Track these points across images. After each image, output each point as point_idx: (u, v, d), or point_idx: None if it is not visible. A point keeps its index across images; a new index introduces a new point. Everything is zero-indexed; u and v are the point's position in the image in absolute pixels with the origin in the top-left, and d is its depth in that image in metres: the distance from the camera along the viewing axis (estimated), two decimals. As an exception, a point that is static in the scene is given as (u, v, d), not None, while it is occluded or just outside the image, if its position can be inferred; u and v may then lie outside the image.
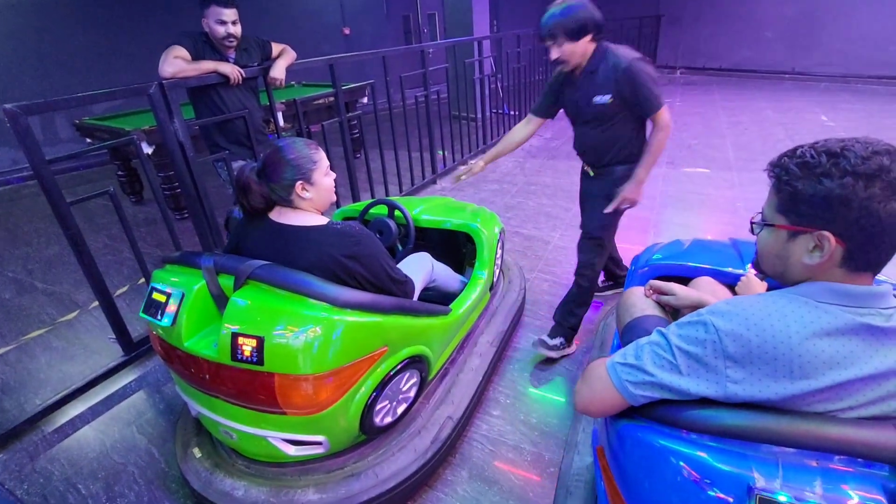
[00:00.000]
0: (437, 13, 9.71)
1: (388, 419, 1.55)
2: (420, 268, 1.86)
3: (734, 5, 9.40)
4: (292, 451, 1.42)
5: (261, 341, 1.22)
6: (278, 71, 2.68)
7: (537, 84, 6.99)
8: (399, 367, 1.47)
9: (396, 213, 2.04)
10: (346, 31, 8.18)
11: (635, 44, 10.24)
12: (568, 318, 2.17)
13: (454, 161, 5.00)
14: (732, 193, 4.03)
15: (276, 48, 2.79)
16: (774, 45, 9.19)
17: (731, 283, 1.59)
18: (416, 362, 1.56)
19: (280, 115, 3.43)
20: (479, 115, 5.91)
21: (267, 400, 1.30)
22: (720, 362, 0.82)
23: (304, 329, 1.24)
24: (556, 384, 2.09)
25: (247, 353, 1.24)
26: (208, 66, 2.39)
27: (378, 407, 1.46)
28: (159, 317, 1.35)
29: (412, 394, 1.62)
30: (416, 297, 1.66)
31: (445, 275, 2.02)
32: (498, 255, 2.27)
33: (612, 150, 1.93)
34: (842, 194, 0.75)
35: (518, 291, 2.44)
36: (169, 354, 1.42)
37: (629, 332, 1.37)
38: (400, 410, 1.59)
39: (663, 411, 0.86)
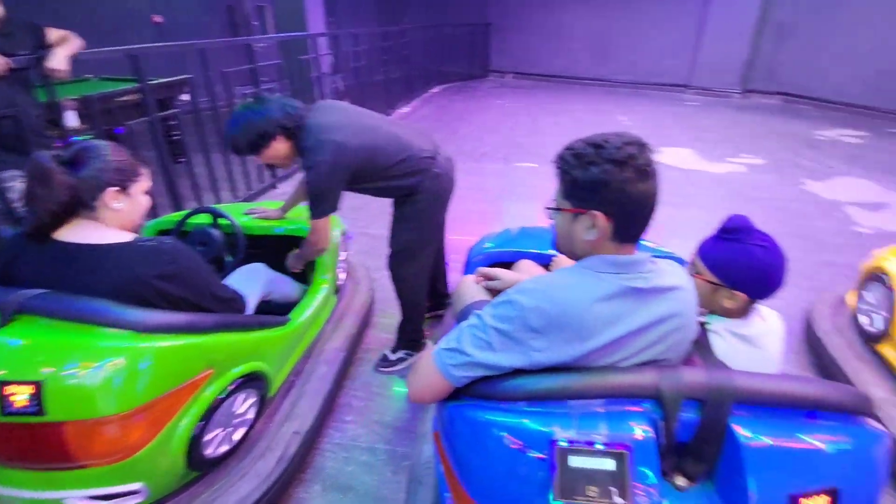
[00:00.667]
0: (267, 6, 9.14)
1: (224, 448, 1.41)
2: (253, 280, 1.73)
3: (547, 19, 10.60)
4: (101, 508, 1.20)
5: (38, 386, 1.01)
6: (58, 61, 2.24)
7: (378, 85, 7.04)
8: (230, 388, 1.35)
9: (221, 221, 1.85)
10: (158, 20, 7.21)
11: (469, 49, 10.97)
12: (405, 332, 2.17)
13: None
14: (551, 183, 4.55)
15: (52, 34, 2.33)
16: (581, 55, 10.61)
17: (549, 263, 1.80)
18: (252, 381, 1.44)
19: (72, 115, 2.88)
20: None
21: (57, 455, 1.08)
22: (526, 335, 0.90)
23: (101, 364, 1.05)
24: (408, 379, 2.13)
25: (20, 404, 1.01)
26: (-46, 52, 1.90)
27: (208, 437, 1.32)
28: None
29: (251, 415, 1.50)
30: (251, 311, 1.54)
31: (283, 284, 1.91)
32: (341, 257, 2.22)
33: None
34: (603, 178, 0.89)
35: (366, 292, 2.42)
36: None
37: (462, 318, 1.45)
38: (237, 436, 1.46)
39: (482, 387, 0.93)
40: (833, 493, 0.79)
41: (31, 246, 1.18)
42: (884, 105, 7.40)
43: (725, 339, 1.12)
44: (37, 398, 1.01)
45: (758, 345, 1.12)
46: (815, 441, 0.81)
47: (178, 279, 1.21)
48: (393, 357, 2.15)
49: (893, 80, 7.28)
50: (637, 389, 0.86)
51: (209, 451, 1.34)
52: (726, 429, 0.83)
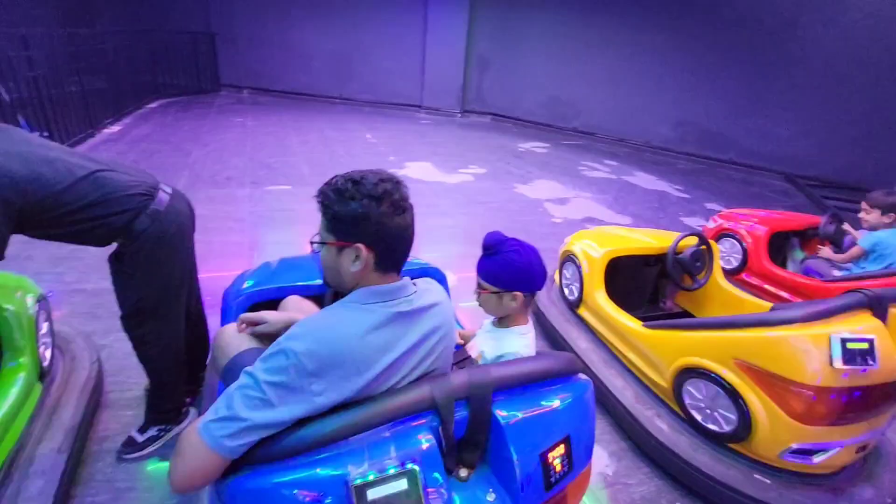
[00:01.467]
0: None
1: None
2: None
3: (285, 34, 10.35)
4: None
5: None
6: None
7: (73, 97, 5.68)
8: None
9: None
10: None
11: (194, 60, 9.86)
12: (156, 404, 1.79)
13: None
14: (313, 206, 4.43)
15: None
16: (323, 73, 10.74)
17: (318, 294, 1.75)
18: None
19: None
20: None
21: None
22: (304, 381, 0.85)
23: None
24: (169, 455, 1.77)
25: None
26: None
27: None
28: None
29: None
30: None
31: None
32: (42, 330, 1.69)
33: None
34: (363, 212, 0.93)
35: (89, 366, 1.91)
36: None
37: (228, 375, 1.28)
38: None
39: (262, 451, 0.83)
40: (566, 440, 1.00)
41: None
42: (557, 123, 9.77)
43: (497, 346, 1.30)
44: None
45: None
46: (552, 403, 1.00)
47: None
48: (142, 438, 1.75)
49: (561, 104, 9.69)
50: (416, 405, 0.91)
51: None
52: (490, 415, 0.95)
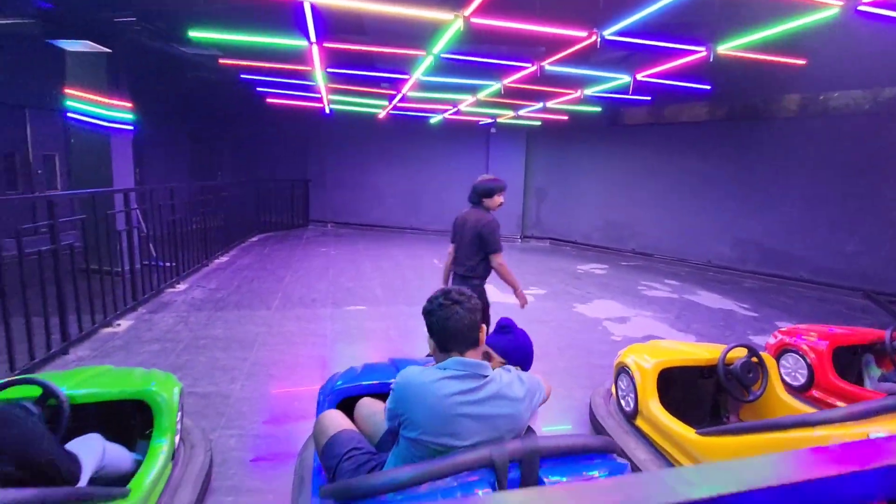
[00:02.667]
0: (58, 155, 8.46)
1: None
2: (89, 452, 1.57)
3: (363, 178, 12.07)
4: None
5: None
6: None
7: (193, 234, 6.86)
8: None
9: (33, 389, 1.67)
10: None
11: (290, 201, 11.60)
12: None
13: (93, 323, 4.24)
14: (385, 324, 4.94)
15: None
16: (395, 207, 12.14)
17: (387, 392, 2.08)
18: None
19: None
20: (127, 268, 5.28)
21: None
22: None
23: None
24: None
25: None
26: None
27: None
28: None
29: None
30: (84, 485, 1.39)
31: (117, 455, 1.75)
32: (178, 419, 2.11)
33: None
34: (428, 312, 1.39)
35: (203, 455, 2.27)
36: None
37: (327, 450, 1.59)
38: None
39: (366, 485, 1.13)
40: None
41: None
42: (614, 245, 10.13)
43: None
44: None
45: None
46: (591, 473, 1.21)
47: (5, 454, 1.15)
48: None
49: (616, 227, 10.14)
50: (477, 462, 1.17)
51: None
52: (538, 478, 1.17)
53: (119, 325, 4.55)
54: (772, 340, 3.49)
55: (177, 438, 2.13)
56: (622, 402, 2.77)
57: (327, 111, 9.87)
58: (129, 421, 2.12)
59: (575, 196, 10.76)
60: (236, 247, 8.91)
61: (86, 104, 6.11)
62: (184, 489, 2.01)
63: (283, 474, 2.37)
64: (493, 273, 3.35)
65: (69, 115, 6.22)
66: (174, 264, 6.11)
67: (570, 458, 1.24)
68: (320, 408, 2.04)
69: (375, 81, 6.69)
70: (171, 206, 6.07)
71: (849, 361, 3.22)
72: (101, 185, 6.10)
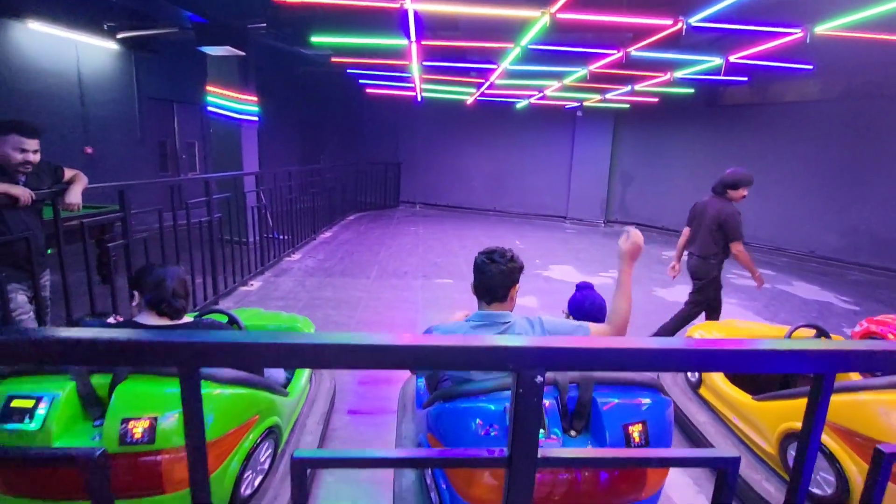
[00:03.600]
0: (197, 143, 9.93)
1: (248, 491, 1.80)
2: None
3: (450, 161, 12.62)
4: (165, 533, 1.54)
5: (154, 421, 1.45)
6: (75, 195, 2.73)
7: (305, 211, 7.80)
8: (262, 436, 1.80)
9: (221, 317, 2.35)
10: (89, 151, 7.61)
11: (383, 182, 12.47)
12: None
13: (234, 282, 5.18)
14: (470, 296, 5.41)
15: (68, 173, 2.83)
16: (480, 190, 12.57)
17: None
18: (272, 433, 1.89)
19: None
20: (252, 240, 6.25)
21: (148, 482, 1.47)
22: None
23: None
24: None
25: (138, 435, 1.43)
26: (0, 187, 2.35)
27: (246, 476, 1.73)
28: (28, 420, 1.40)
29: (267, 465, 1.91)
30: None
31: (276, 370, 2.39)
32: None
33: None
34: (475, 266, 1.80)
35: (330, 381, 2.90)
36: (14, 471, 1.42)
37: (434, 374, 2.09)
38: (257, 482, 1.85)
39: (453, 391, 1.58)
40: (644, 423, 1.53)
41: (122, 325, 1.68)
42: (704, 232, 9.76)
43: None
44: (150, 430, 1.45)
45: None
46: (635, 399, 1.57)
47: None
48: None
49: (707, 215, 9.75)
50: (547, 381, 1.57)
51: (243, 489, 1.74)
52: (592, 399, 1.56)
53: (252, 284, 5.50)
54: (857, 329, 3.45)
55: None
56: (688, 374, 3.00)
57: (419, 99, 10.46)
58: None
59: (663, 180, 10.44)
60: (337, 224, 9.89)
61: (222, 99, 7.19)
62: (318, 402, 2.65)
63: (387, 399, 2.96)
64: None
65: (209, 108, 7.36)
66: (289, 237, 7.07)
67: (621, 387, 1.60)
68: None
69: (465, 71, 7.09)
70: (288, 187, 7.00)
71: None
72: (234, 168, 7.21)
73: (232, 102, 7.16)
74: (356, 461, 0.94)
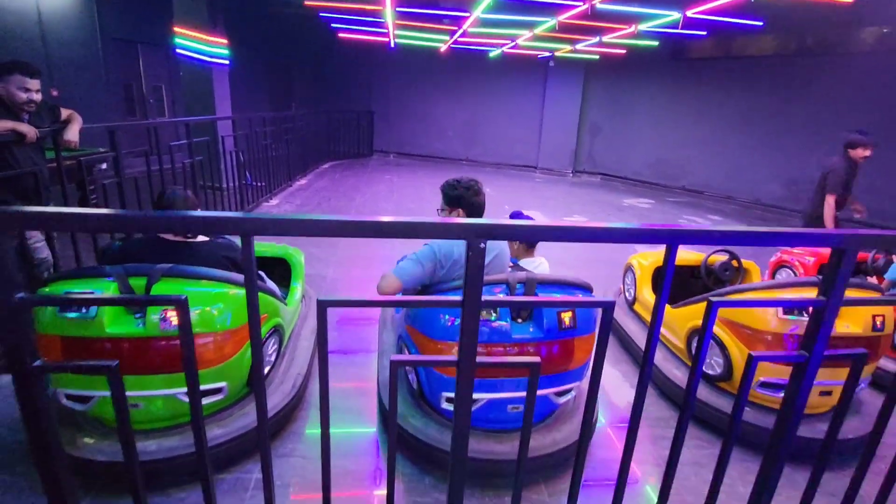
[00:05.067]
0: (164, 87, 9.70)
1: (260, 376, 2.21)
2: (265, 280, 2.58)
3: (424, 110, 12.67)
4: (198, 401, 1.94)
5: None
6: (73, 133, 2.93)
7: (279, 160, 7.88)
8: (270, 332, 2.20)
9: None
10: (55, 93, 7.44)
11: (356, 131, 12.47)
12: None
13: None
14: (442, 237, 5.81)
15: (64, 112, 3.01)
16: (454, 140, 12.74)
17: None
18: (277, 331, 2.29)
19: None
20: (227, 185, 6.38)
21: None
22: (436, 259, 2.02)
23: (216, 303, 1.89)
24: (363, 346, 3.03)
25: (175, 322, 1.80)
26: (7, 124, 2.54)
27: (258, 362, 2.13)
28: (84, 310, 1.74)
29: (273, 357, 2.32)
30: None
31: (274, 286, 2.76)
32: (304, 274, 3.11)
33: None
34: (459, 194, 2.11)
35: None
36: (76, 349, 1.78)
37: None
38: (266, 370, 2.26)
39: (427, 293, 1.99)
40: (573, 312, 1.99)
41: (145, 246, 2.01)
42: (664, 182, 10.33)
43: (526, 266, 2.38)
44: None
45: (534, 268, 2.38)
46: (568, 296, 2.02)
47: (237, 259, 2.12)
48: None
49: (668, 165, 10.28)
50: (499, 281, 2.00)
51: (256, 373, 2.15)
52: (535, 293, 2.00)
53: (234, 227, 5.73)
54: (773, 258, 4.04)
55: (304, 287, 3.16)
56: (626, 294, 3.53)
57: (392, 45, 10.38)
58: (272, 271, 3.15)
59: (629, 132, 10.88)
60: (311, 172, 10.00)
61: (191, 41, 7.08)
62: (310, 319, 3.05)
63: (369, 320, 3.39)
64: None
65: (178, 51, 7.24)
66: (264, 184, 7.23)
67: (558, 286, 2.05)
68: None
69: (439, 18, 7.15)
70: (263, 133, 7.09)
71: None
72: (205, 113, 7.21)
73: (201, 45, 7.07)
74: (367, 302, 1.35)
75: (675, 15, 5.37)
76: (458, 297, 1.33)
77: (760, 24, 5.81)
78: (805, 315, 2.18)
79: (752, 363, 1.51)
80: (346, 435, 2.33)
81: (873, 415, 2.11)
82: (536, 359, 1.40)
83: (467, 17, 6.51)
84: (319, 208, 6.89)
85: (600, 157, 11.59)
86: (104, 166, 5.15)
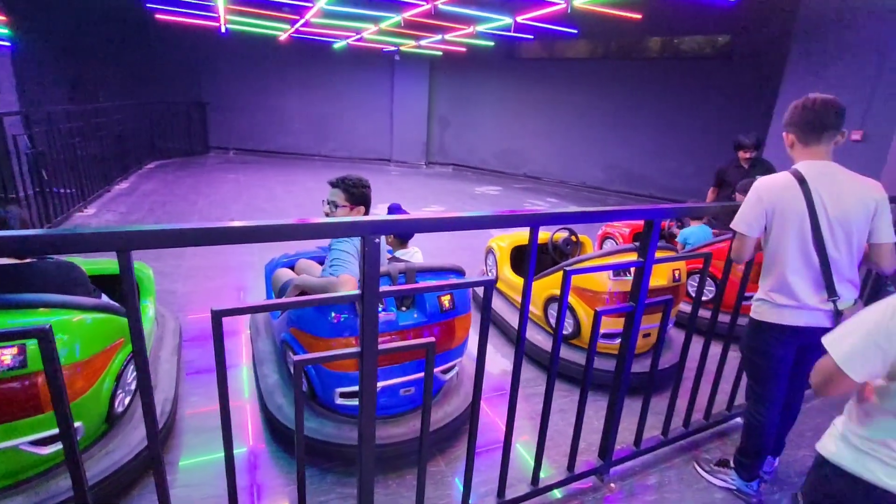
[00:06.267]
0: None
1: (120, 409, 1.96)
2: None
3: (267, 104, 11.87)
4: (46, 450, 1.66)
5: (22, 348, 1.54)
6: None
7: (91, 160, 6.71)
8: (128, 359, 1.95)
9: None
10: None
11: (186, 127, 11.17)
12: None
13: None
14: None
15: None
16: (303, 134, 12.21)
17: (318, 259, 2.92)
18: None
19: None
20: (24, 194, 5.24)
21: (26, 402, 1.57)
22: (353, 255, 2.03)
23: (58, 333, 1.63)
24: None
25: (7, 362, 1.52)
26: None
27: (118, 395, 1.89)
28: None
29: (134, 386, 2.07)
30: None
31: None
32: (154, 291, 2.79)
33: None
34: (366, 192, 2.16)
35: (174, 320, 2.98)
36: None
37: (282, 290, 2.43)
38: (127, 401, 2.01)
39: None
40: (451, 295, 2.17)
41: None
42: (509, 170, 11.36)
43: (402, 256, 2.51)
44: (21, 355, 1.54)
45: (409, 258, 2.53)
46: (446, 281, 2.18)
47: (80, 282, 1.85)
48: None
49: (511, 154, 11.33)
50: (381, 273, 2.08)
51: (116, 406, 1.90)
52: (416, 280, 2.12)
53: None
54: (599, 232, 4.81)
55: (155, 306, 2.83)
56: (489, 274, 3.88)
57: (224, 30, 9.50)
58: (118, 290, 2.76)
59: (475, 124, 11.68)
60: (133, 174, 8.73)
61: (-51, 14, 5.60)
62: (166, 338, 2.75)
63: (234, 331, 3.18)
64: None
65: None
66: (75, 190, 6.10)
67: (434, 272, 2.20)
68: (268, 274, 2.84)
69: (277, 6, 6.79)
70: (69, 129, 5.97)
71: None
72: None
73: (-33, 20, 5.64)
74: (262, 307, 1.32)
75: (507, 19, 5.94)
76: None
77: (575, 31, 6.74)
78: (627, 276, 2.69)
79: (598, 317, 1.87)
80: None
81: (678, 350, 2.70)
82: (431, 339, 1.53)
83: (310, 7, 6.30)
84: (153, 216, 6.08)
85: (451, 149, 12.24)
86: None
